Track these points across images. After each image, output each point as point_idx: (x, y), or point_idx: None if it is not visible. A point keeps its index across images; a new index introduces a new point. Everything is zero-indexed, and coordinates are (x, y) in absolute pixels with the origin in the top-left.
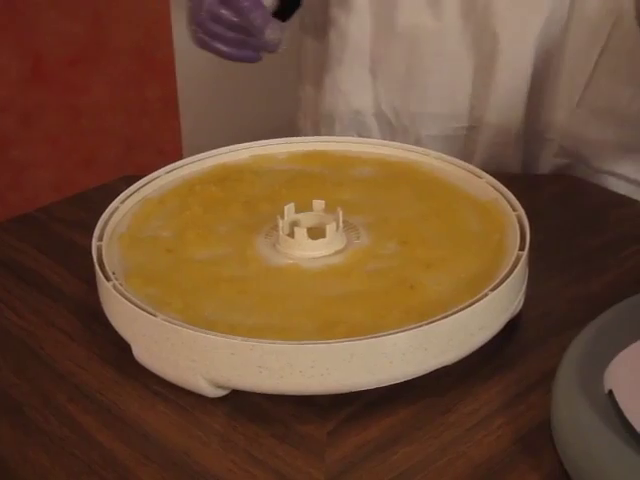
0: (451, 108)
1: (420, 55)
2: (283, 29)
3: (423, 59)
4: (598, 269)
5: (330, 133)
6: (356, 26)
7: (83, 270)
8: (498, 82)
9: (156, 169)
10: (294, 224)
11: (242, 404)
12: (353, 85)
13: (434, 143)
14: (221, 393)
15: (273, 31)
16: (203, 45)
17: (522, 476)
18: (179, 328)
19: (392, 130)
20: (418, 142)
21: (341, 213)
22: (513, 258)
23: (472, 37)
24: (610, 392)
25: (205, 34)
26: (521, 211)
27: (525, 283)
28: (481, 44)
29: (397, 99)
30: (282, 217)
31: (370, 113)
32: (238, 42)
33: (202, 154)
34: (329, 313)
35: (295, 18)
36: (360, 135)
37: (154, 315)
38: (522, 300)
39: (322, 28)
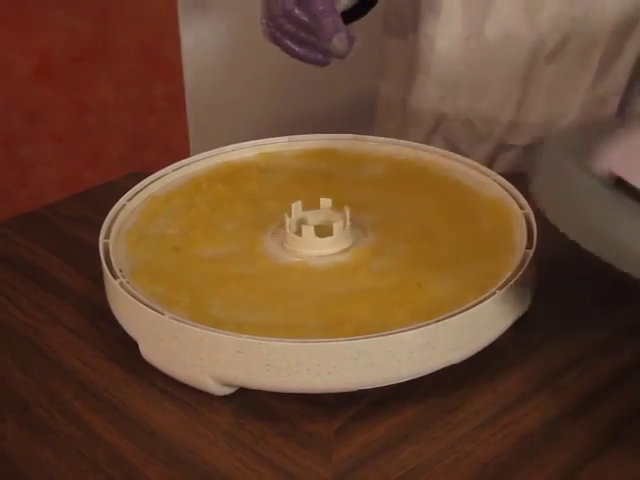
0: (539, 117)
1: (508, 63)
2: (352, 39)
3: (511, 68)
4: (605, 266)
5: (417, 135)
6: (445, 32)
7: (89, 267)
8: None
9: (162, 167)
10: (301, 222)
11: (249, 402)
12: (440, 90)
13: (512, 152)
14: (228, 391)
15: (340, 40)
16: (274, 40)
17: (529, 475)
18: (186, 326)
19: (478, 136)
20: (499, 150)
21: (348, 211)
22: (521, 256)
23: None
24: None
25: (277, 30)
26: (529, 209)
27: (533, 281)
28: None
29: (483, 106)
30: (289, 215)
31: (457, 118)
32: (309, 44)
33: (209, 152)
34: (336, 311)
35: (373, 17)
36: (446, 140)
37: (161, 313)
38: (530, 299)
39: (411, 29)
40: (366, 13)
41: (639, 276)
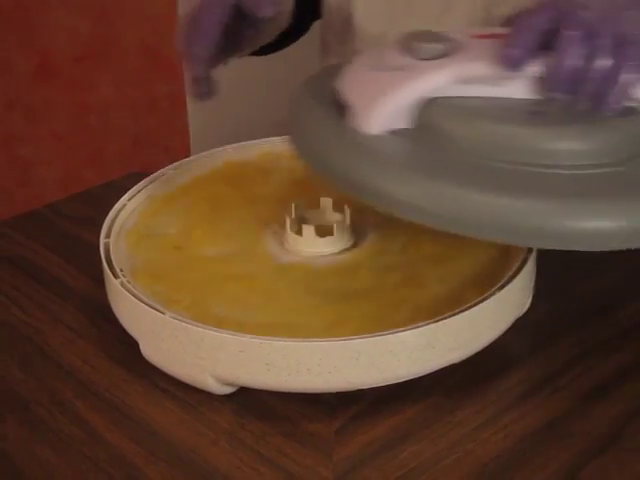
0: None
1: None
2: (212, 84)
3: None
4: (605, 266)
5: None
6: None
7: (90, 267)
8: None
9: (163, 166)
10: (302, 222)
11: (250, 402)
12: None
13: None
14: (228, 390)
15: (196, 85)
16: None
17: (529, 474)
18: (187, 326)
19: None
20: None
21: (349, 211)
22: (522, 256)
23: None
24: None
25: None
26: None
27: (533, 281)
28: None
29: None
30: (290, 215)
31: None
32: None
33: (209, 151)
34: (337, 311)
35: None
36: None
37: (162, 312)
38: (530, 298)
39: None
40: (300, 36)
41: (345, 192)
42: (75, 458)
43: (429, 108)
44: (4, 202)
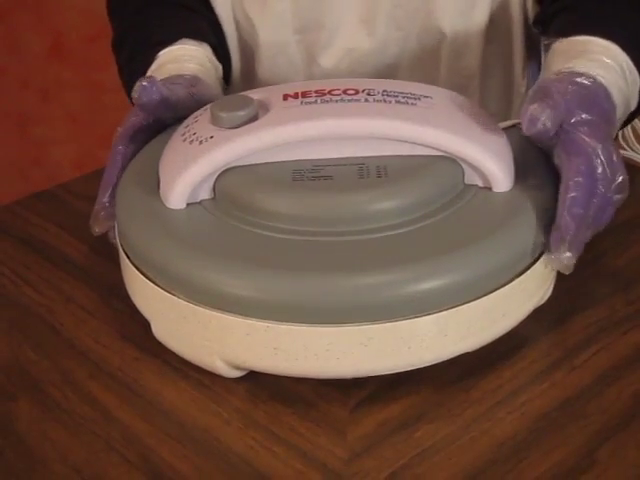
0: None
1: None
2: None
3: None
4: (622, 245)
5: None
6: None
7: (103, 246)
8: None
9: None
10: None
11: (263, 381)
12: None
13: None
14: (238, 374)
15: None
16: None
17: (546, 453)
18: (194, 307)
19: None
20: None
21: None
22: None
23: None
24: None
25: None
26: None
27: (555, 270)
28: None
29: None
30: None
31: None
32: None
33: None
34: None
35: None
36: None
37: (172, 293)
38: (552, 287)
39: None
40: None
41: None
42: (87, 438)
43: (224, 178)
44: (18, 181)
